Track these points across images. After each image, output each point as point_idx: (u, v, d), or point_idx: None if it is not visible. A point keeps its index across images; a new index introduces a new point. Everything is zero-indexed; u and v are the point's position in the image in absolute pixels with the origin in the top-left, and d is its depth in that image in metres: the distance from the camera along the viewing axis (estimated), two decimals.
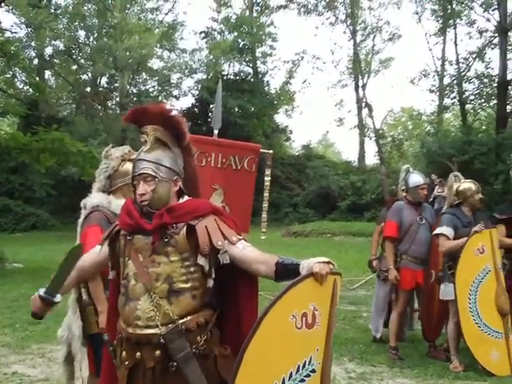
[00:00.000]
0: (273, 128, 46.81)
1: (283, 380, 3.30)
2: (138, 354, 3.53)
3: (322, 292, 3.39)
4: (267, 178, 8.29)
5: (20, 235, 33.03)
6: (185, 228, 3.58)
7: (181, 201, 3.72)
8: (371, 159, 49.78)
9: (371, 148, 70.05)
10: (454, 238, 8.04)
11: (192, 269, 3.58)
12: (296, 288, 3.30)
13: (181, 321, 3.50)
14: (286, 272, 3.45)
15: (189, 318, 3.53)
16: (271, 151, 8.64)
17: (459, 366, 7.98)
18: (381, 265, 9.57)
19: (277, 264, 3.47)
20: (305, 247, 24.09)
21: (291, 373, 3.32)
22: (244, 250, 3.59)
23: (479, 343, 7.88)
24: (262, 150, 8.36)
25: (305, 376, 3.37)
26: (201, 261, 3.56)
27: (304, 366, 3.36)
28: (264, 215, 8.34)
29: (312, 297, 3.36)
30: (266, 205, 8.35)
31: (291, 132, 51.46)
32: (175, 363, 3.46)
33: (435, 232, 8.27)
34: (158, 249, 3.56)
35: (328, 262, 3.39)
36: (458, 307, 7.89)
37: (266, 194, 8.32)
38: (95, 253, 3.93)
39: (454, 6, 40.16)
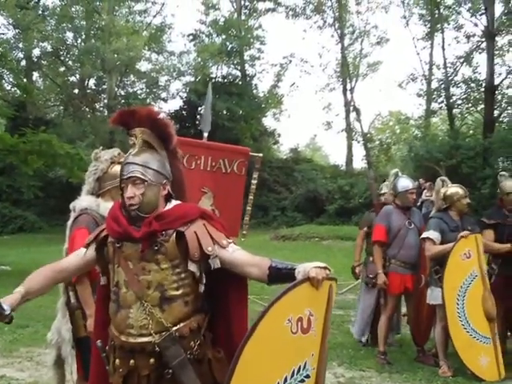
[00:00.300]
0: (261, 131, 46.75)
1: None
2: (132, 361, 3.52)
3: (317, 297, 3.38)
4: (254, 182, 8.27)
5: (7, 238, 32.95)
6: (174, 235, 3.55)
7: (168, 205, 3.68)
8: (359, 163, 49.80)
9: (359, 152, 70.03)
10: (442, 243, 8.06)
11: (183, 275, 3.55)
12: (292, 292, 3.28)
13: (174, 328, 3.49)
14: (280, 276, 3.45)
15: (182, 324, 3.52)
16: (261, 154, 8.63)
17: (448, 371, 7.98)
18: (367, 271, 9.60)
19: (270, 268, 3.46)
20: (293, 251, 24.05)
21: (286, 377, 3.31)
22: (234, 253, 3.57)
23: (468, 348, 7.88)
24: (251, 154, 8.36)
25: (299, 381, 3.37)
26: (191, 267, 3.53)
27: (299, 371, 3.35)
28: (246, 218, 8.33)
29: (308, 302, 3.36)
30: (249, 208, 8.34)
31: (279, 135, 51.43)
32: (170, 370, 3.46)
33: (422, 236, 8.31)
34: (147, 256, 3.53)
35: (325, 268, 3.37)
36: (445, 312, 7.91)
37: (251, 197, 8.31)
38: (80, 256, 3.84)
39: (441, 10, 40.29)
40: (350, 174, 43.13)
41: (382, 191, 10.09)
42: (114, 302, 3.60)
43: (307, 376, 3.40)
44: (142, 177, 3.56)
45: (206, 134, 8.18)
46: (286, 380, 3.31)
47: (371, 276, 9.31)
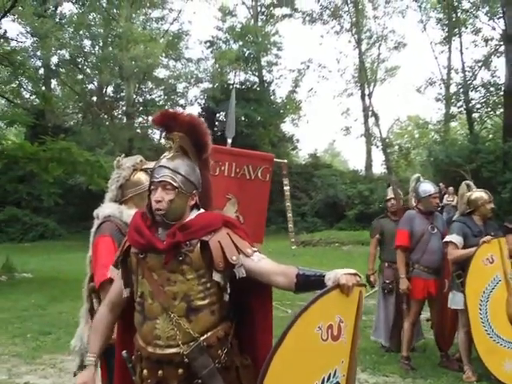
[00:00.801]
0: (279, 137, 46.72)
1: None
2: (160, 372, 3.48)
3: (347, 304, 3.33)
4: (286, 188, 8.28)
5: (28, 245, 33.06)
6: (198, 245, 3.50)
7: (192, 214, 3.63)
8: (378, 168, 49.65)
9: (378, 157, 69.82)
10: (464, 247, 8.02)
11: (208, 285, 3.52)
12: (322, 299, 3.25)
13: (202, 338, 3.46)
14: (308, 283, 3.40)
15: (209, 333, 3.49)
16: (285, 161, 8.62)
17: (472, 376, 7.92)
18: (383, 277, 9.57)
19: (298, 276, 3.40)
20: (313, 256, 24.06)
21: None
22: (260, 262, 3.53)
23: (491, 354, 7.81)
24: (275, 160, 8.34)
25: None
26: (216, 277, 3.50)
27: (329, 379, 3.31)
28: (290, 225, 8.29)
29: (338, 308, 3.32)
30: (290, 214, 8.33)
31: (298, 141, 51.36)
32: (200, 380, 3.43)
33: (444, 240, 8.26)
34: (172, 267, 3.48)
35: (355, 274, 3.33)
36: (468, 317, 7.85)
37: (289, 204, 8.31)
38: (118, 284, 3.78)
39: (459, 14, 40.21)
40: (369, 179, 42.95)
41: (388, 197, 10.07)
42: (140, 313, 3.57)
43: (337, 383, 3.35)
44: (174, 183, 3.51)
45: (229, 141, 8.16)
46: None
47: (387, 281, 9.30)
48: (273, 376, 3.13)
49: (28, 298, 14.42)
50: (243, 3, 49.27)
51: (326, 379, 3.30)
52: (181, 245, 3.48)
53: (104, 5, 41.45)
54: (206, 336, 3.47)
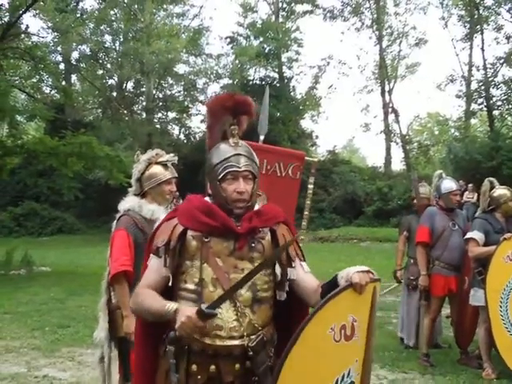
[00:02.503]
0: (298, 133, 46.57)
1: None
2: (213, 367, 3.25)
3: (361, 302, 3.20)
4: (310, 186, 8.23)
5: (46, 239, 33.27)
6: (269, 233, 3.39)
7: (258, 203, 3.53)
8: (397, 165, 49.52)
9: (397, 153, 69.62)
10: (485, 244, 7.96)
11: (272, 277, 3.39)
12: (335, 300, 3.10)
13: (263, 331, 3.30)
14: (327, 288, 3.19)
15: (266, 328, 3.35)
16: (316, 159, 8.58)
17: (492, 373, 7.85)
18: (408, 273, 9.52)
19: (322, 286, 3.26)
20: (331, 252, 24.05)
21: None
22: (307, 274, 3.44)
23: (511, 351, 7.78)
24: (306, 158, 8.32)
25: None
26: (277, 270, 3.38)
27: (343, 379, 3.21)
28: (304, 223, 8.26)
29: (351, 308, 3.18)
30: (307, 212, 8.29)
31: (317, 137, 51.28)
32: (256, 378, 3.25)
33: (466, 236, 8.21)
34: (242, 254, 3.31)
35: (368, 271, 3.15)
36: (488, 314, 7.81)
37: (309, 202, 8.27)
38: (156, 274, 3.40)
39: (480, 11, 39.96)
40: (388, 175, 42.85)
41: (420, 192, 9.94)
42: (194, 302, 3.24)
43: (352, 383, 3.25)
44: (255, 172, 3.40)
45: (262, 137, 8.11)
46: None
47: (412, 278, 9.24)
48: (285, 379, 3.02)
49: (47, 292, 14.47)
50: None
51: (339, 380, 3.20)
52: (256, 230, 3.35)
53: (125, 0, 41.46)
54: (265, 330, 3.33)
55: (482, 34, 40.65)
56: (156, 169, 5.39)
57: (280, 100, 42.88)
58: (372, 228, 32.36)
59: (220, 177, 3.34)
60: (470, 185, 22.17)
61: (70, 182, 24.37)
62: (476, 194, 22.06)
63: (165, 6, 45.63)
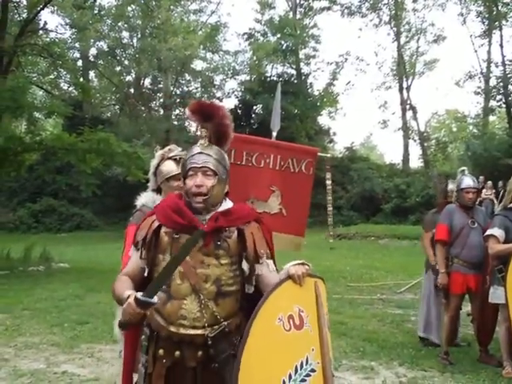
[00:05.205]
0: (316, 130, 46.61)
1: (283, 382, 3.39)
2: (178, 353, 3.54)
3: (304, 294, 3.54)
4: (329, 182, 8.22)
5: (65, 235, 33.44)
6: (236, 232, 3.63)
7: (226, 203, 3.74)
8: (415, 162, 49.38)
9: (415, 150, 69.40)
10: (506, 241, 7.87)
11: (237, 272, 3.63)
12: (276, 292, 3.45)
13: (225, 322, 3.54)
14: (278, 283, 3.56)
15: (231, 320, 3.58)
16: (329, 155, 8.58)
17: None
18: (435, 272, 9.44)
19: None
20: (349, 249, 24.03)
21: (290, 374, 3.41)
22: (272, 273, 3.69)
23: None
24: (319, 154, 8.29)
25: (305, 376, 3.46)
26: (244, 266, 3.63)
27: (302, 366, 3.45)
28: (329, 219, 8.24)
29: (295, 299, 3.51)
30: (330, 208, 8.28)
31: (334, 134, 51.30)
32: (217, 364, 3.51)
33: (486, 233, 8.13)
34: (208, 251, 3.56)
35: (302, 264, 3.55)
36: (508, 312, 7.73)
37: (330, 198, 8.26)
38: (136, 263, 3.74)
39: (499, 7, 39.77)
40: (406, 172, 42.74)
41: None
42: (164, 293, 3.53)
43: (312, 370, 3.48)
44: (215, 169, 3.61)
45: (274, 134, 8.11)
46: (290, 377, 3.41)
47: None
48: (245, 373, 3.28)
49: (65, 288, 14.51)
50: None
51: (299, 367, 3.45)
52: (221, 230, 3.59)
53: None
54: (228, 321, 3.56)
55: (500, 30, 40.51)
56: (167, 164, 5.39)
57: (297, 97, 42.90)
58: (390, 225, 32.21)
59: (184, 173, 3.70)
60: (489, 182, 22.03)
61: (88, 179, 24.48)
62: (494, 191, 21.99)
63: (182, 3, 45.72)
